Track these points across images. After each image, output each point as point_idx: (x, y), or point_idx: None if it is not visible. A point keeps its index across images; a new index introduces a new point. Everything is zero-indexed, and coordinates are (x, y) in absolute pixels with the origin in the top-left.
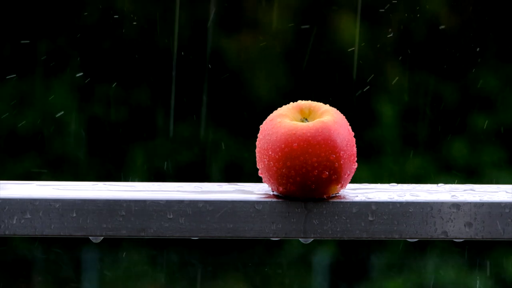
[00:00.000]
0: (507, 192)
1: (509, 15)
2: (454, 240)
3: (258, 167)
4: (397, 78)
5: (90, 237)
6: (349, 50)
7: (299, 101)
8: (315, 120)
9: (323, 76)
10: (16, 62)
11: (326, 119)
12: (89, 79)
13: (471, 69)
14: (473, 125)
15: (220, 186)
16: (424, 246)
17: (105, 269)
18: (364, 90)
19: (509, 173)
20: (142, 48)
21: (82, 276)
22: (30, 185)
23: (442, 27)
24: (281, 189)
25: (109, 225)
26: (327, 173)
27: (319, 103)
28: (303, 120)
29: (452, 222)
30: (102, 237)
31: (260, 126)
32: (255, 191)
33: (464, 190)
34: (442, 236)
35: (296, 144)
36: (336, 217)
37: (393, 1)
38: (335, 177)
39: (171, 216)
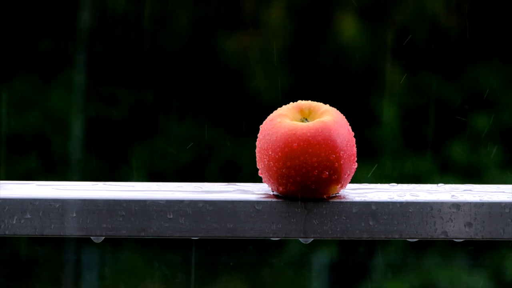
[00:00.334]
0: (507, 192)
1: (510, 15)
2: (454, 240)
3: (258, 167)
4: (397, 78)
5: (91, 237)
6: (349, 50)
7: (299, 101)
8: (315, 120)
9: (323, 76)
10: (16, 62)
11: (326, 119)
12: (89, 79)
13: (471, 69)
14: (473, 125)
15: (220, 186)
16: (424, 246)
17: (105, 269)
18: (364, 90)
19: (509, 173)
20: (142, 48)
21: (82, 276)
22: (30, 185)
23: (443, 27)
24: (281, 189)
25: (109, 225)
26: (327, 173)
27: (319, 103)
28: (303, 120)
29: (452, 222)
30: (103, 237)
31: (260, 126)
32: (255, 191)
33: (464, 190)
34: (442, 236)
35: (296, 144)
36: (336, 217)
37: (394, 1)
38: (335, 177)
39: (171, 216)
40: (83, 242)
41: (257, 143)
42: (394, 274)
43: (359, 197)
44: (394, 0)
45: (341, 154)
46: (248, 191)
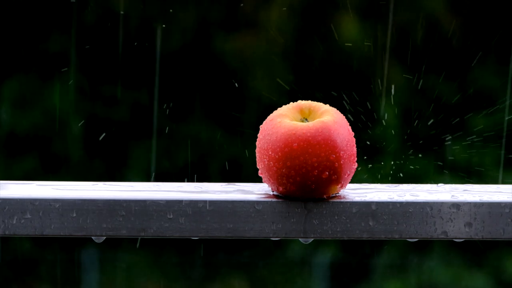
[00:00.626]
0: (507, 192)
1: (510, 14)
2: (454, 240)
3: (258, 167)
4: (397, 78)
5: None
6: (349, 50)
7: (299, 101)
8: (315, 120)
9: (323, 76)
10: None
11: (326, 119)
12: (89, 79)
13: (472, 69)
14: (473, 125)
15: (220, 186)
16: (424, 246)
17: (105, 269)
18: (364, 90)
19: (509, 173)
20: (142, 48)
21: (82, 276)
22: (30, 185)
23: (443, 27)
24: (281, 189)
25: (109, 225)
26: (327, 173)
27: (319, 103)
28: (303, 120)
29: (452, 222)
30: (105, 237)
31: (260, 126)
32: (255, 191)
33: (464, 190)
34: (442, 236)
35: (296, 144)
36: (336, 217)
37: (394, 1)
38: (335, 177)
39: (171, 216)
40: (83, 242)
41: (257, 143)
42: (394, 274)
43: (359, 197)
44: (394, 0)
45: (341, 154)
46: (248, 191)
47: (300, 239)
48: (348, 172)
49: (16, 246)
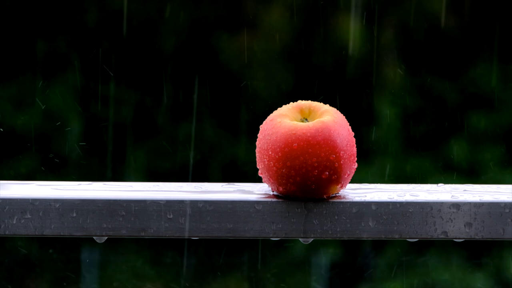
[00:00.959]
0: (507, 192)
1: (510, 14)
2: (454, 240)
3: (258, 167)
4: (397, 78)
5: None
6: (349, 50)
7: (299, 101)
8: (315, 120)
9: (323, 76)
10: (16, 62)
11: (326, 119)
12: (89, 79)
13: (471, 69)
14: (473, 125)
15: (220, 186)
16: (424, 246)
17: (105, 269)
18: (364, 90)
19: (510, 173)
20: (142, 48)
21: (82, 276)
22: (30, 185)
23: (443, 26)
24: (281, 189)
25: (109, 225)
26: (327, 173)
27: (319, 103)
28: (303, 120)
29: (452, 222)
30: (106, 237)
31: (260, 126)
32: (255, 191)
33: (464, 190)
34: (442, 236)
35: (296, 144)
36: (336, 217)
37: (395, 1)
38: (335, 177)
39: (171, 216)
40: (83, 242)
41: (257, 143)
42: (394, 274)
43: (359, 197)
44: (394, 0)
45: (341, 154)
46: (248, 191)
47: (300, 239)
48: (348, 172)
49: (16, 246)
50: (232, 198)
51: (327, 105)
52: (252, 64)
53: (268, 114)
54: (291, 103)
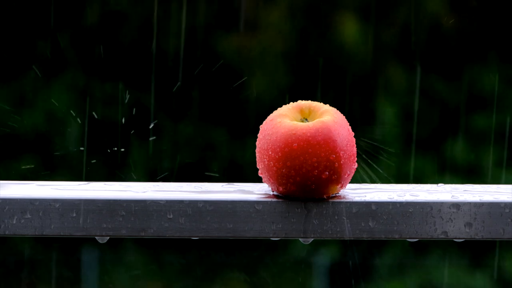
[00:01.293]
0: (507, 192)
1: (510, 14)
2: (454, 240)
3: (258, 167)
4: (397, 78)
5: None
6: (349, 50)
7: (299, 101)
8: (315, 120)
9: (323, 76)
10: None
11: (326, 119)
12: (89, 79)
13: (471, 69)
14: (473, 125)
15: (220, 186)
16: (424, 246)
17: (105, 269)
18: (364, 90)
19: (510, 173)
20: (142, 48)
21: (82, 276)
22: (30, 185)
23: (443, 26)
24: (281, 189)
25: (109, 225)
26: (327, 173)
27: (319, 103)
28: (303, 120)
29: (452, 222)
30: (108, 237)
31: (260, 126)
32: (255, 191)
33: (464, 190)
34: (442, 236)
35: (296, 144)
36: (336, 217)
37: (395, 1)
38: (335, 177)
39: (171, 216)
40: (83, 242)
41: (257, 143)
42: (394, 274)
43: (359, 197)
44: (394, 0)
45: (341, 154)
46: (248, 191)
47: (300, 239)
48: (348, 172)
49: (16, 246)
50: (232, 198)
51: (327, 105)
52: (252, 64)
53: (268, 114)
54: (291, 103)
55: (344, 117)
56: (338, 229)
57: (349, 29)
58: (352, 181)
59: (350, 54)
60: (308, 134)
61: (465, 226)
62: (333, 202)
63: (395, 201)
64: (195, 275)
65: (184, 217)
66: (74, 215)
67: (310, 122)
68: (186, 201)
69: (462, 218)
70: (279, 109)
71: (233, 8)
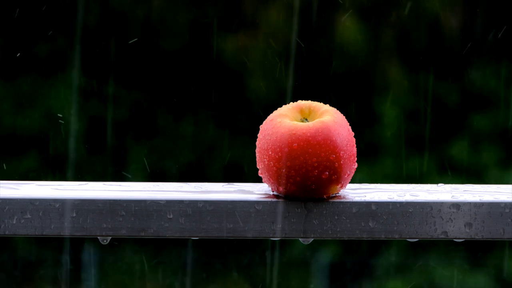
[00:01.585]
0: (507, 192)
1: (510, 14)
2: (454, 240)
3: (258, 167)
4: (397, 78)
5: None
6: (349, 50)
7: (299, 101)
8: (315, 120)
9: (323, 76)
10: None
11: (326, 119)
12: (89, 78)
13: (472, 69)
14: (473, 125)
15: (220, 186)
16: (424, 246)
17: (105, 269)
18: (364, 90)
19: (510, 173)
20: (142, 48)
21: (82, 276)
22: (30, 185)
23: (443, 26)
24: (281, 189)
25: (109, 225)
26: (327, 173)
27: (319, 103)
28: (303, 120)
29: (452, 222)
30: (110, 238)
31: (260, 126)
32: (255, 191)
33: (464, 190)
34: (442, 236)
35: (296, 144)
36: (336, 217)
37: (395, 1)
38: (335, 177)
39: (171, 216)
40: (83, 242)
41: (257, 143)
42: (394, 274)
43: (359, 197)
44: (394, 0)
45: (341, 154)
46: (248, 191)
47: (300, 239)
48: (348, 172)
49: (16, 246)
50: (232, 198)
51: (327, 105)
52: (252, 64)
53: (268, 114)
54: (291, 103)
55: (344, 117)
56: (338, 229)
57: (349, 29)
58: (352, 181)
59: (350, 54)
60: (308, 134)
61: (465, 226)
62: (333, 202)
63: (395, 201)
64: (194, 275)
65: (184, 217)
66: (74, 215)
67: (310, 122)
68: (186, 201)
69: (462, 218)
70: (279, 109)
71: (234, 8)
